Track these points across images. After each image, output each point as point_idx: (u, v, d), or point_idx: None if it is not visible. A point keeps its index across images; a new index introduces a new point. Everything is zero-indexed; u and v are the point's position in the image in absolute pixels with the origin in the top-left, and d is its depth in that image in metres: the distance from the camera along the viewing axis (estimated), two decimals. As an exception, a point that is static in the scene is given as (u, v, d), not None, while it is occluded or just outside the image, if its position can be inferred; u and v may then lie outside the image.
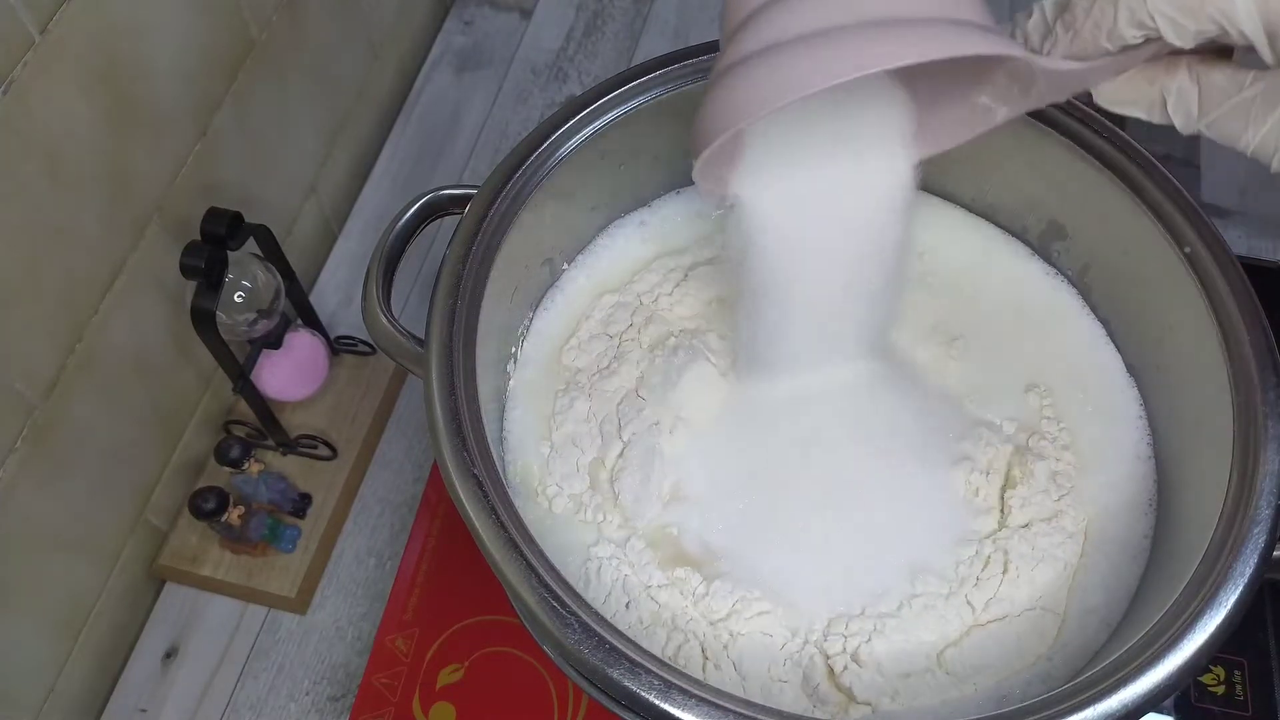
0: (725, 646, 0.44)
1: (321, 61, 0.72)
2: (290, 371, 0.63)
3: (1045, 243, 0.56)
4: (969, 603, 0.45)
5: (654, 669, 0.37)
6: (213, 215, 0.53)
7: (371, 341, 0.52)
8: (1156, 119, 0.35)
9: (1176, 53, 0.33)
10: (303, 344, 0.64)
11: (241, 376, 0.59)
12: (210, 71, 0.60)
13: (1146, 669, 0.37)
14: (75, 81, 0.49)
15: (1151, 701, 0.37)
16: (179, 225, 0.58)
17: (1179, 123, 0.34)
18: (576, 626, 0.37)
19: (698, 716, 0.36)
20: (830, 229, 0.44)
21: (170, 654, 0.61)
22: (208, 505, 0.58)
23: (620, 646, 0.37)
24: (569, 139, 0.50)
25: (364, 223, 0.77)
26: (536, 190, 0.49)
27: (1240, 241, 0.71)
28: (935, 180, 0.57)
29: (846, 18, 0.33)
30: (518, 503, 0.41)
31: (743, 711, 0.36)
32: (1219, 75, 0.33)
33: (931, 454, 0.49)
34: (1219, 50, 0.33)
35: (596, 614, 0.38)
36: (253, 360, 0.60)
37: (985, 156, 0.54)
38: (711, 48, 0.50)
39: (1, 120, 0.45)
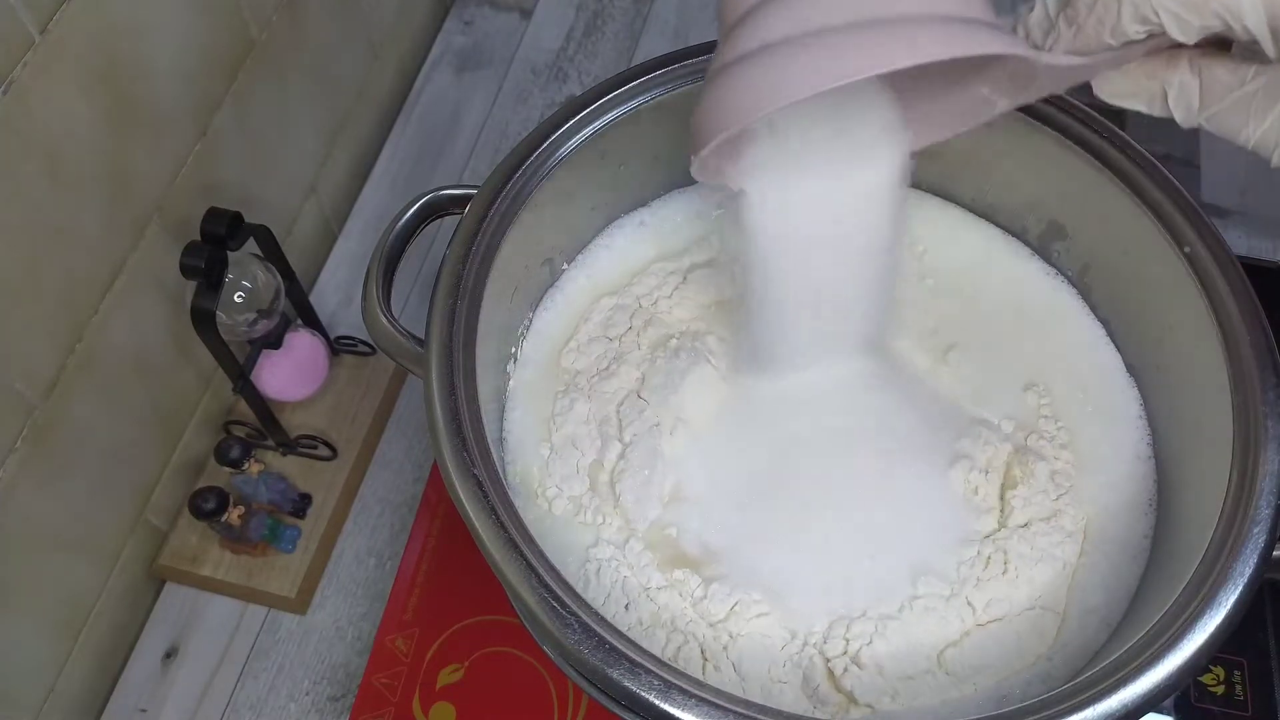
0: (725, 648, 0.44)
1: (321, 61, 0.72)
2: (290, 371, 0.63)
3: (1045, 243, 0.56)
4: (969, 603, 0.45)
5: (654, 669, 0.37)
6: (213, 215, 0.53)
7: (371, 341, 0.52)
8: (1157, 112, 0.35)
9: (1177, 46, 0.32)
10: (303, 344, 0.64)
11: (241, 376, 0.59)
12: (210, 71, 0.60)
13: (1146, 669, 0.37)
14: (75, 81, 0.49)
15: (1151, 701, 0.37)
16: (179, 225, 0.58)
17: (1179, 116, 0.34)
18: (576, 627, 0.37)
19: (698, 716, 0.36)
20: (826, 220, 0.44)
21: (170, 654, 0.61)
22: (208, 505, 0.58)
23: (620, 647, 0.37)
24: (569, 139, 0.50)
25: (364, 223, 0.77)
26: (536, 190, 0.49)
27: (1240, 241, 0.71)
28: (935, 180, 0.57)
29: (852, 14, 0.33)
30: (517, 503, 0.41)
31: (742, 711, 0.36)
32: (1220, 69, 0.33)
33: (931, 453, 0.49)
34: (1219, 42, 0.33)
35: (596, 614, 0.38)
36: (253, 360, 0.60)
37: (985, 156, 0.54)
38: (712, 48, 0.50)
39: (1, 120, 0.45)
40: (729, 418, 0.50)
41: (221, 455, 0.61)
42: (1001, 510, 0.48)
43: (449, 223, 0.49)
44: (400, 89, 0.84)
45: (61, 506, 0.55)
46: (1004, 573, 0.46)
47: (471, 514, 0.40)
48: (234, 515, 0.59)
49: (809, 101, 0.32)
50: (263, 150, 0.66)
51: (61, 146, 0.49)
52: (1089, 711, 0.36)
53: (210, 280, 0.53)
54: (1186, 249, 0.46)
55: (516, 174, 0.48)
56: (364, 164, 0.80)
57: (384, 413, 0.68)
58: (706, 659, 0.44)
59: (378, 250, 0.48)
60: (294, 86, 0.69)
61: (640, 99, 0.51)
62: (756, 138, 0.42)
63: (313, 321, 0.66)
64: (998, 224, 0.57)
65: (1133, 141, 0.49)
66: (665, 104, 0.51)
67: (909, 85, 0.41)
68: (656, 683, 0.36)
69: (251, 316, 0.56)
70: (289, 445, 0.64)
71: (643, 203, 0.58)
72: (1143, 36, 0.32)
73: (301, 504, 0.63)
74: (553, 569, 0.39)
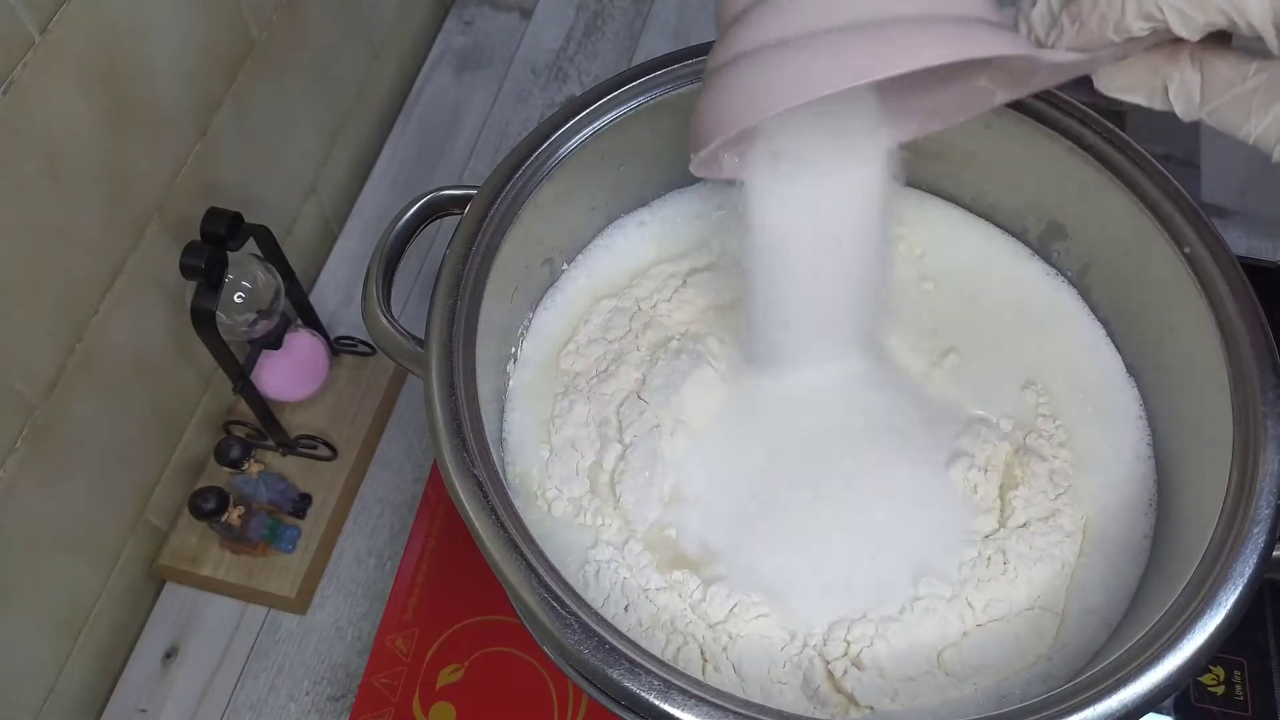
0: (724, 649, 0.44)
1: (321, 61, 0.72)
2: (290, 371, 0.63)
3: (1045, 243, 0.56)
4: (969, 603, 0.45)
5: (654, 669, 0.37)
6: (213, 215, 0.53)
7: (371, 341, 0.52)
8: (1158, 106, 0.35)
9: (1179, 40, 0.32)
10: (303, 344, 0.64)
11: (241, 376, 0.59)
12: (210, 71, 0.60)
13: (1146, 669, 0.37)
14: (75, 81, 0.49)
15: (1151, 701, 0.37)
16: (179, 225, 0.58)
17: (1180, 110, 0.34)
18: (576, 627, 0.37)
19: (698, 717, 0.36)
20: (822, 209, 0.44)
21: (170, 654, 0.61)
22: (208, 505, 0.58)
23: (620, 647, 0.37)
24: (569, 139, 0.50)
25: (364, 223, 0.77)
26: (536, 190, 0.49)
27: (1240, 241, 0.71)
28: (935, 180, 0.57)
29: (852, 14, 0.33)
30: (517, 504, 0.41)
31: (742, 712, 0.36)
32: (1222, 64, 0.33)
33: (930, 452, 0.49)
34: (1219, 37, 0.33)
35: (596, 614, 0.38)
36: (253, 360, 0.60)
37: (985, 157, 0.54)
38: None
39: (1, 120, 0.45)
40: (729, 419, 0.50)
41: (221, 455, 0.61)
42: (1001, 510, 0.48)
43: (449, 223, 0.49)
44: (400, 89, 0.84)
45: (61, 506, 0.55)
46: (1003, 573, 0.46)
47: (471, 514, 0.40)
48: (234, 515, 0.59)
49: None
50: (263, 150, 0.66)
51: (61, 146, 0.49)
52: (1089, 711, 0.36)
53: (210, 280, 0.53)
54: (1186, 249, 0.46)
55: (516, 174, 0.48)
56: (364, 164, 0.80)
57: (384, 413, 0.68)
58: (706, 660, 0.44)
59: (378, 250, 0.48)
60: (294, 86, 0.69)
61: (640, 99, 0.51)
62: (755, 132, 0.42)
63: (313, 321, 0.66)
64: (998, 224, 0.57)
65: (1133, 141, 0.49)
66: (665, 104, 0.51)
67: (907, 77, 0.41)
68: (656, 683, 0.36)
69: (251, 316, 0.56)
70: (289, 445, 0.64)
71: (643, 203, 0.58)
72: (1146, 33, 0.32)
73: (301, 504, 0.63)
74: (553, 569, 0.39)
